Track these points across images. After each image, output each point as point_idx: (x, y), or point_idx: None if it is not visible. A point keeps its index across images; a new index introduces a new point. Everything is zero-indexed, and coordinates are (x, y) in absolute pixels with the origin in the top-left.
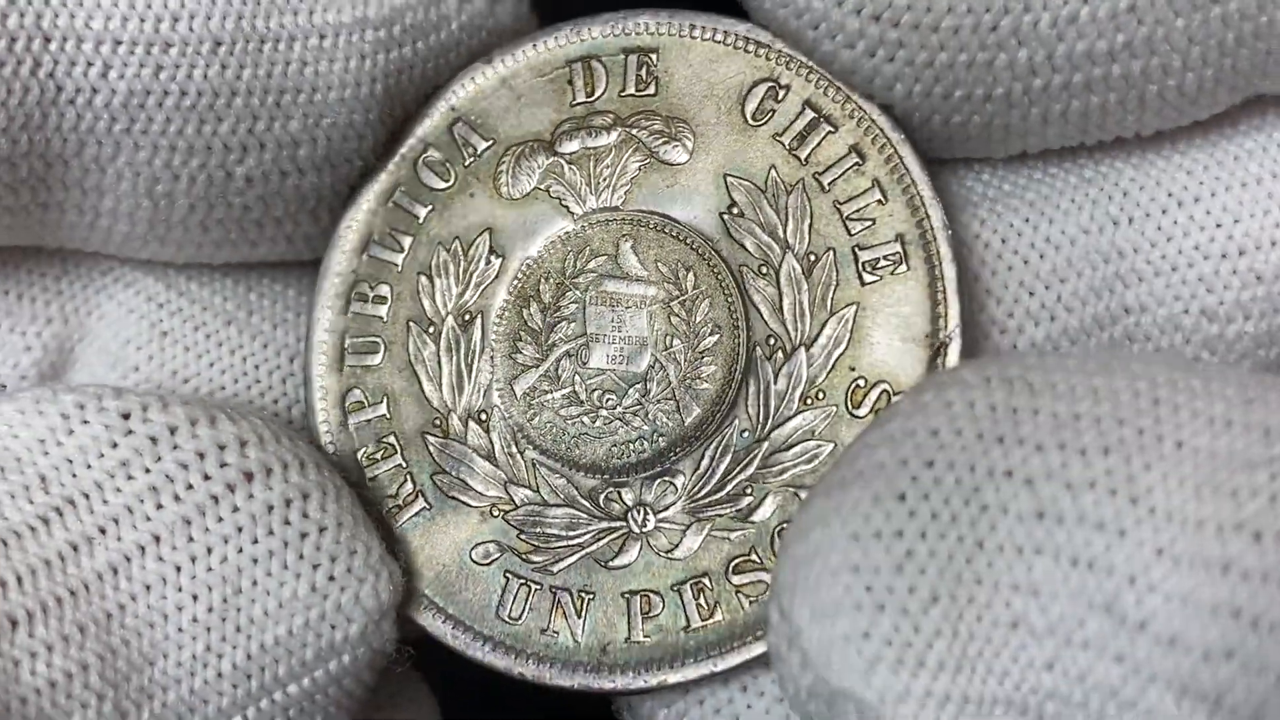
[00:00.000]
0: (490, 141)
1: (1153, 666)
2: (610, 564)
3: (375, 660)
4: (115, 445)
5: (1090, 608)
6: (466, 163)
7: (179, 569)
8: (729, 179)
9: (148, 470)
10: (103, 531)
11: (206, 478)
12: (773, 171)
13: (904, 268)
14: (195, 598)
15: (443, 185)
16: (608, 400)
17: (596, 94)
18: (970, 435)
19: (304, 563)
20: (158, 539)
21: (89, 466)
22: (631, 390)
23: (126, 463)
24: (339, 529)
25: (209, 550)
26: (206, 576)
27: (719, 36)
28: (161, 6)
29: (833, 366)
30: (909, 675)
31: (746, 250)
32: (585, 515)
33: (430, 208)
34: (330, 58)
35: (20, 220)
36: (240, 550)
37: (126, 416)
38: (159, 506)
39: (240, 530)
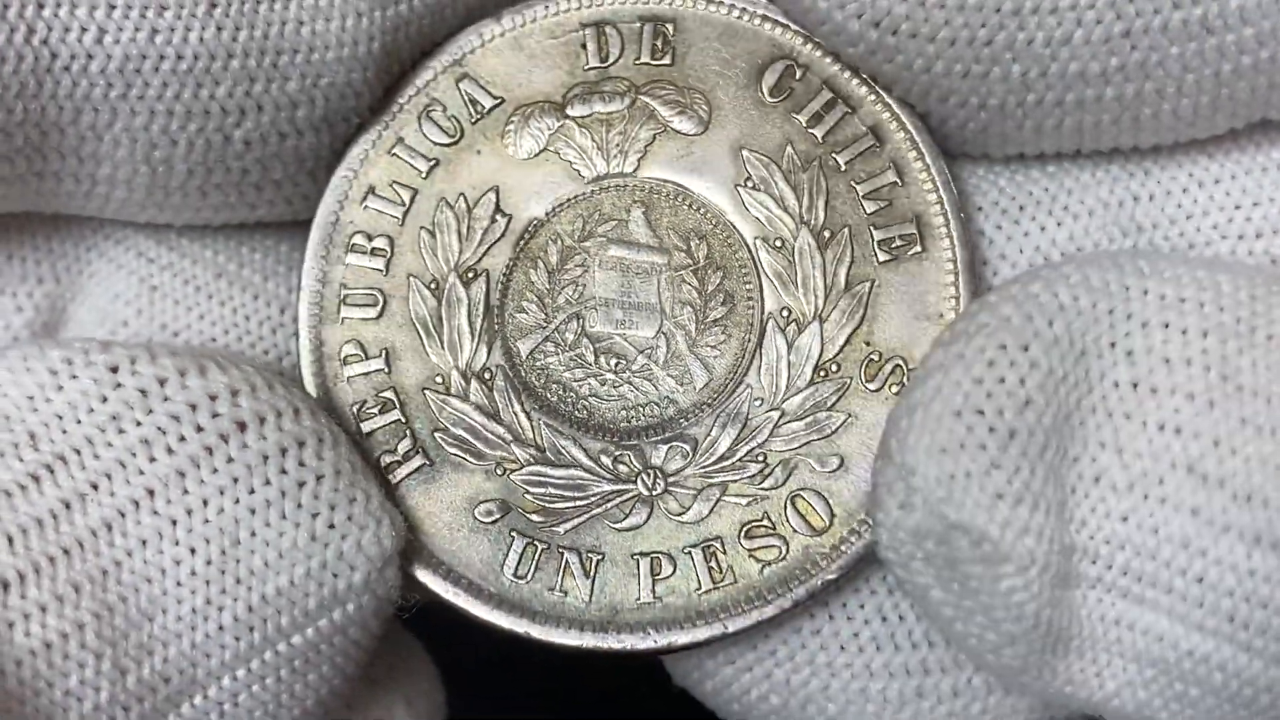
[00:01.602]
0: (499, 100)
1: (1228, 519)
2: (620, 526)
3: (380, 609)
4: (105, 399)
5: (1172, 467)
6: (473, 119)
7: (175, 522)
8: (744, 152)
9: (139, 424)
10: (95, 487)
11: (199, 429)
12: (789, 147)
13: (919, 248)
14: (193, 551)
15: (447, 140)
16: (615, 364)
17: (611, 59)
18: (1086, 303)
19: (303, 511)
20: (152, 493)
21: (79, 422)
22: (639, 356)
23: (117, 416)
24: (337, 476)
25: (205, 502)
26: (203, 529)
27: (737, 12)
28: None
29: (847, 341)
30: (1028, 512)
31: (760, 223)
32: (593, 477)
33: (434, 162)
34: (326, 16)
35: (16, 189)
36: (237, 501)
37: (115, 370)
38: (152, 460)
39: (236, 481)
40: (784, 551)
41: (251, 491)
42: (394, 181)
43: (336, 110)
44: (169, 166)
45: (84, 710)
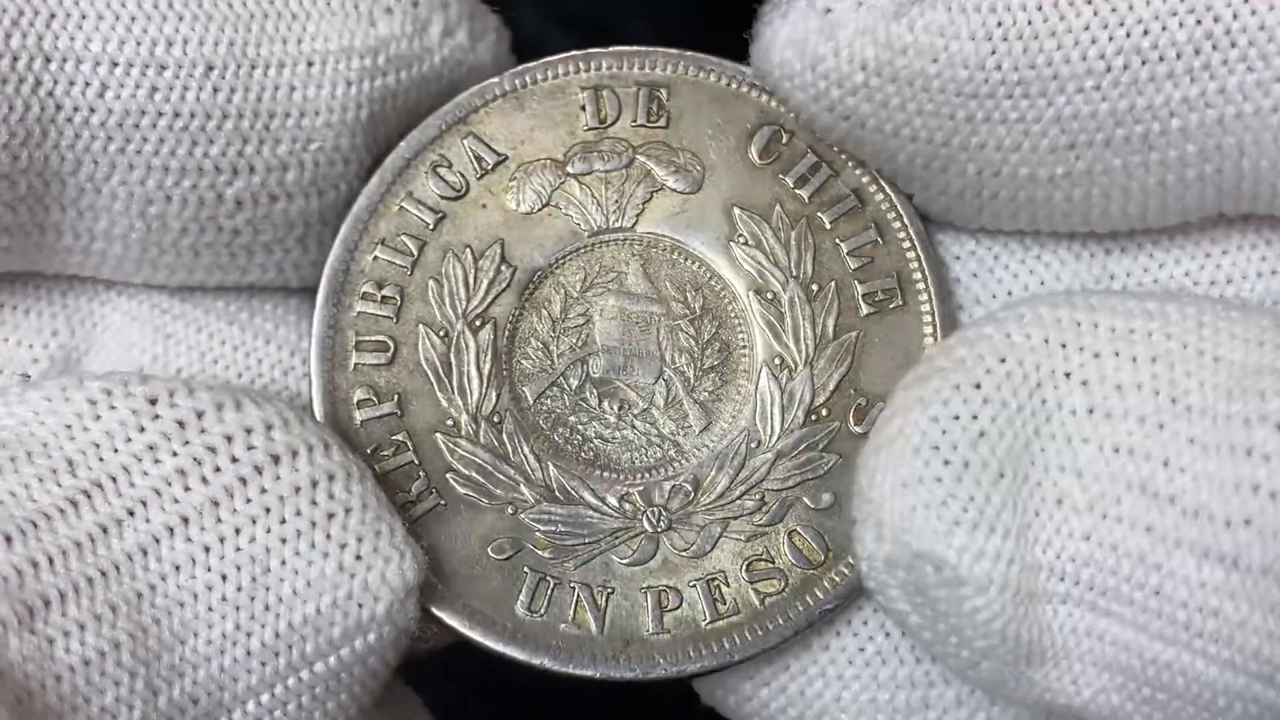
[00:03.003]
0: (502, 157)
1: (1178, 534)
2: (627, 561)
3: (399, 639)
4: (142, 430)
5: (1127, 487)
6: (479, 175)
7: (208, 549)
8: (736, 210)
9: (175, 454)
10: (131, 514)
11: (234, 460)
12: (778, 206)
13: (900, 301)
14: (224, 577)
15: (454, 194)
16: (618, 408)
17: (609, 121)
18: (1038, 339)
19: (331, 542)
20: (186, 520)
21: (116, 450)
22: (640, 400)
23: (154, 446)
24: (364, 510)
25: (237, 531)
26: (235, 556)
27: (726, 80)
28: (158, 31)
29: (836, 387)
30: (983, 537)
31: (752, 276)
32: (600, 515)
33: (441, 215)
34: (317, 83)
35: (19, 242)
36: (268, 531)
37: (153, 402)
38: (187, 489)
39: (268, 511)
40: (784, 585)
41: (282, 522)
42: (403, 233)
43: (325, 176)
44: (163, 223)
45: None
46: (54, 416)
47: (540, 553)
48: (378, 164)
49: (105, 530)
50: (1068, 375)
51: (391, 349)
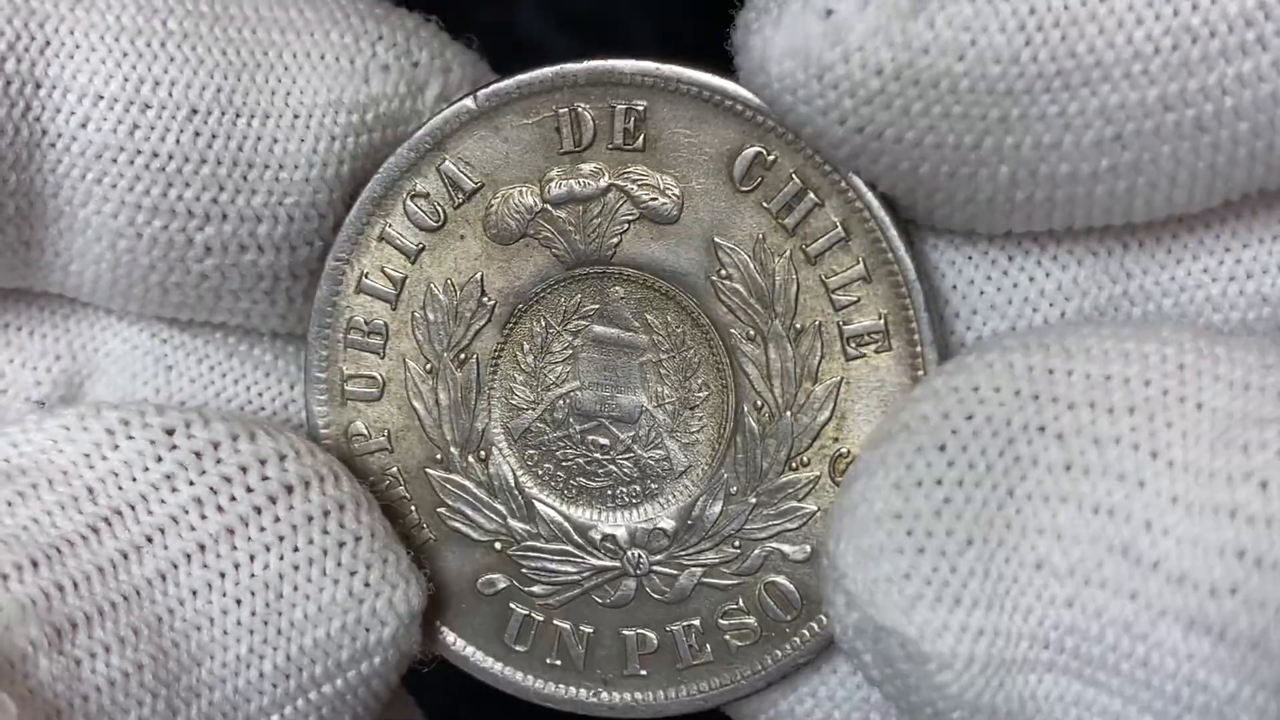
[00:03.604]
0: (479, 185)
1: (1163, 602)
2: (608, 603)
3: (402, 663)
4: (160, 459)
5: (1109, 550)
6: (456, 204)
7: (223, 575)
8: (717, 242)
9: (192, 483)
10: (150, 540)
11: (249, 490)
12: (760, 239)
13: (886, 345)
14: (239, 602)
15: (432, 225)
16: (602, 445)
17: (584, 144)
18: (1008, 392)
19: (341, 570)
20: (203, 547)
21: (134, 480)
22: (624, 436)
23: (171, 476)
24: (372, 539)
25: (252, 558)
26: (250, 582)
27: (706, 95)
28: (146, 70)
29: (817, 434)
30: (946, 611)
31: (734, 314)
32: (581, 554)
33: (421, 247)
34: (301, 136)
35: (7, 258)
36: (282, 558)
37: (170, 432)
38: (203, 517)
39: (282, 539)
40: (757, 635)
41: (295, 550)
42: (383, 268)
43: (299, 231)
44: (133, 257)
45: None
46: (73, 445)
47: (525, 590)
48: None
49: (126, 556)
50: (1042, 429)
51: (380, 385)
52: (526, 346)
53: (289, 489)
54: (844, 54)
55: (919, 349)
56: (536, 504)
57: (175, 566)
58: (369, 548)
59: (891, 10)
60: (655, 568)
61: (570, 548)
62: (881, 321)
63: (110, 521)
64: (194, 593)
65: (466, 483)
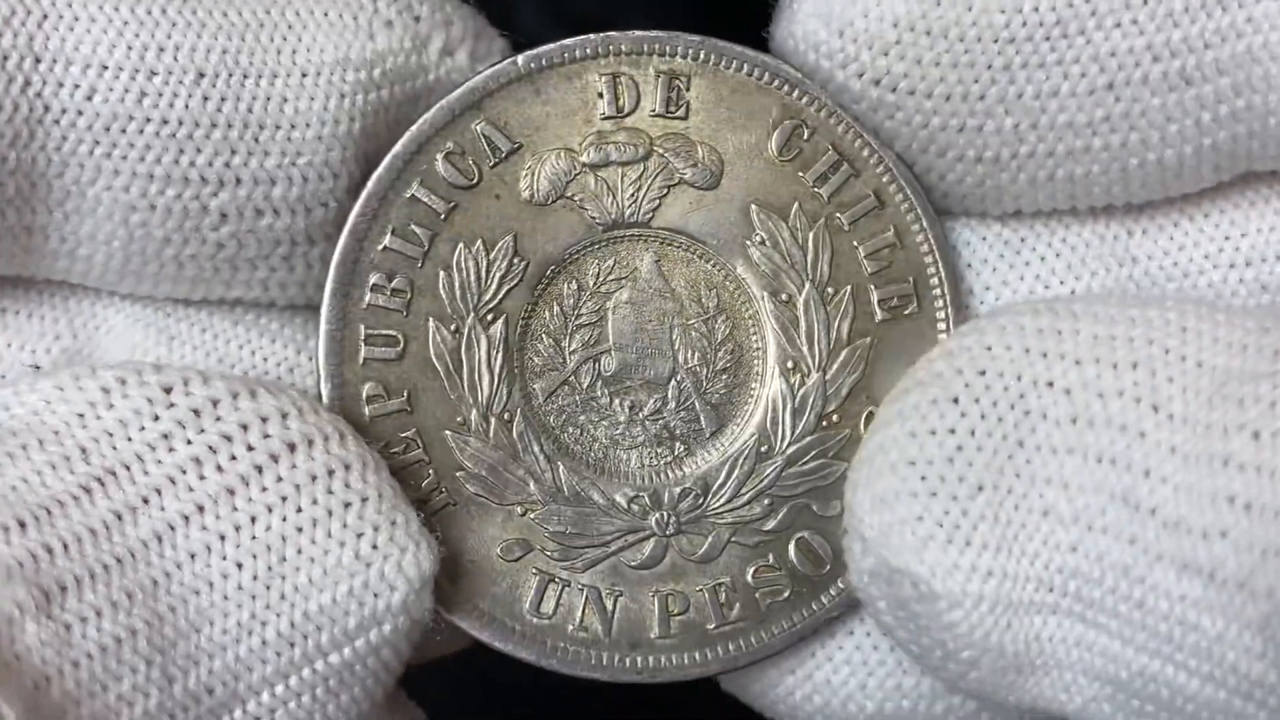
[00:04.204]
0: (516, 145)
1: (1159, 546)
2: (635, 564)
3: (413, 631)
4: (157, 418)
5: (1110, 498)
6: (492, 164)
7: (222, 538)
8: (754, 208)
9: (189, 442)
10: (146, 501)
11: (249, 448)
12: (797, 205)
13: (915, 308)
14: (239, 566)
15: (466, 183)
16: (629, 407)
17: (626, 110)
18: (1019, 350)
19: (347, 531)
20: (201, 509)
21: (129, 439)
22: (652, 400)
23: (168, 435)
24: (379, 499)
25: (252, 519)
26: (250, 545)
27: (748, 70)
28: (149, 36)
29: (848, 394)
30: (957, 552)
31: (768, 277)
32: (609, 516)
33: (453, 204)
34: (310, 95)
35: (7, 245)
36: (284, 519)
37: (168, 390)
38: (202, 477)
39: (284, 500)
40: (789, 592)
41: (298, 510)
42: (413, 222)
43: (313, 192)
44: (146, 231)
45: (134, 714)
46: (66, 405)
47: (548, 555)
48: (366, 180)
49: (119, 517)
50: (1050, 384)
51: (401, 343)
52: (556, 308)
53: (291, 447)
54: (864, 9)
55: (945, 311)
56: (561, 467)
57: (172, 528)
58: (376, 509)
59: None
60: (684, 528)
61: (596, 511)
62: (910, 285)
63: (104, 481)
64: (192, 555)
65: (488, 446)
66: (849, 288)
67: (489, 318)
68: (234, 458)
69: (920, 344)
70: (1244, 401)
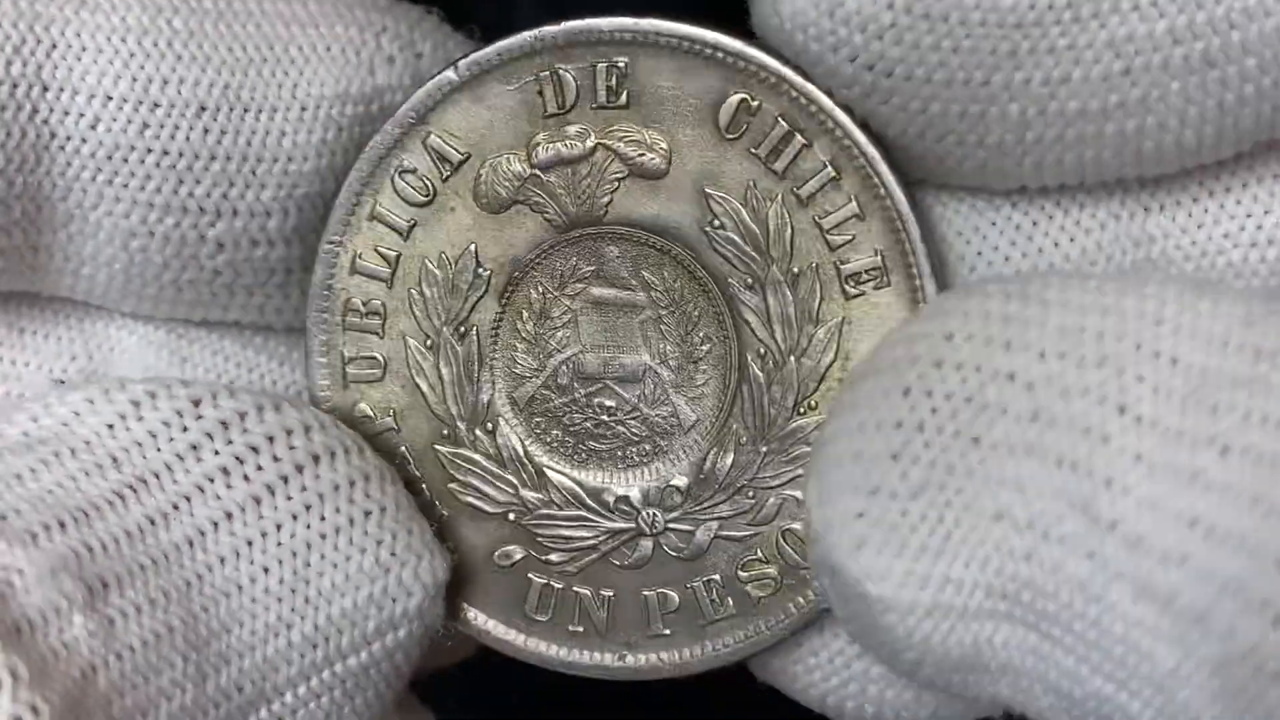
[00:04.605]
0: (465, 155)
1: (1118, 564)
2: (626, 565)
3: (425, 637)
4: (186, 429)
5: (1070, 506)
6: (444, 176)
7: (250, 543)
8: (708, 192)
9: (217, 452)
10: (176, 508)
11: (275, 459)
12: (751, 185)
13: (885, 282)
14: (266, 570)
15: (422, 201)
16: (609, 407)
17: (568, 105)
18: (980, 339)
19: (368, 539)
20: (229, 515)
21: (159, 449)
22: (630, 396)
23: (197, 446)
24: (397, 509)
25: (278, 527)
26: (277, 550)
27: (687, 46)
28: (154, 69)
29: (822, 377)
30: (892, 556)
31: (730, 263)
32: (595, 517)
33: (413, 223)
34: (309, 128)
35: (14, 263)
36: (309, 526)
37: (196, 403)
38: (229, 486)
39: (309, 508)
40: (778, 584)
41: (322, 519)
42: (376, 247)
43: (308, 222)
44: (145, 256)
45: (171, 708)
46: (95, 416)
47: (542, 559)
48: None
49: (153, 521)
50: (1011, 377)
51: (382, 365)
52: (525, 314)
53: (315, 458)
54: None
55: (918, 283)
56: (547, 471)
57: (202, 533)
58: (394, 518)
59: None
60: (671, 525)
61: (584, 513)
62: (879, 259)
63: (135, 488)
64: (222, 560)
65: (475, 456)
66: (814, 265)
67: (461, 330)
68: (260, 468)
69: (894, 319)
70: (1217, 409)
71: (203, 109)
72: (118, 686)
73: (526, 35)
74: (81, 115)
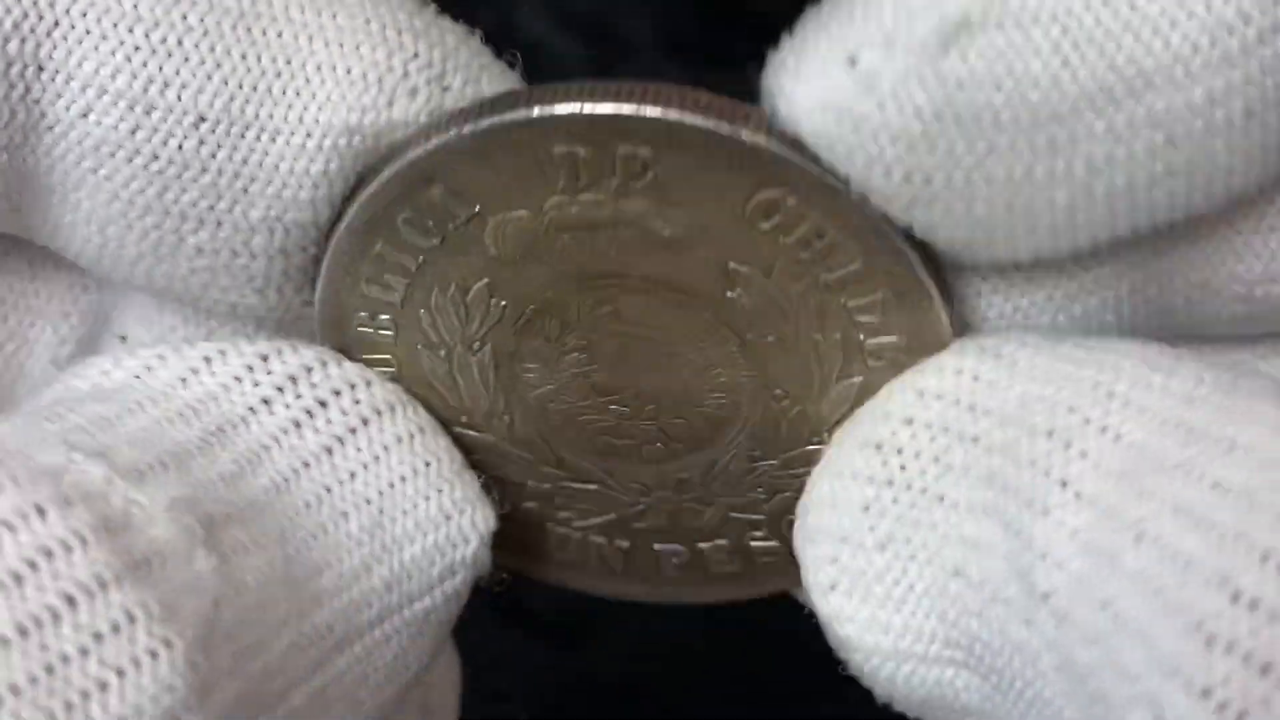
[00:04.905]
0: (475, 209)
1: (1048, 635)
2: (642, 527)
3: (470, 584)
4: (257, 384)
5: (1013, 573)
6: (454, 225)
7: (329, 490)
8: (732, 266)
9: (288, 406)
10: (258, 456)
11: (343, 413)
12: (778, 265)
13: (910, 361)
14: (346, 515)
15: (431, 242)
16: (623, 412)
17: (584, 185)
18: (950, 399)
19: (430, 488)
20: (307, 465)
21: (233, 401)
22: (646, 408)
23: (268, 400)
24: (450, 460)
25: (352, 475)
26: (354, 497)
27: (716, 141)
28: (157, 68)
29: (839, 420)
30: (857, 602)
31: (751, 318)
32: (612, 492)
33: (422, 259)
34: (310, 156)
35: (5, 218)
36: (379, 476)
37: (265, 358)
38: (302, 438)
39: (377, 458)
40: (784, 558)
41: (389, 469)
42: (386, 273)
43: (296, 242)
44: (121, 245)
45: (282, 644)
46: (167, 370)
47: (559, 516)
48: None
49: (241, 468)
50: (975, 440)
51: (396, 365)
52: (541, 340)
53: (378, 412)
54: (878, 103)
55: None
56: (566, 457)
57: (286, 480)
58: (450, 469)
59: (920, 51)
60: (685, 504)
61: (600, 487)
62: (904, 339)
63: (218, 436)
64: (307, 505)
65: (492, 438)
66: (837, 337)
67: (475, 346)
68: (330, 421)
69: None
70: (1141, 494)
71: (201, 119)
72: (238, 620)
73: (540, 116)
74: (74, 102)
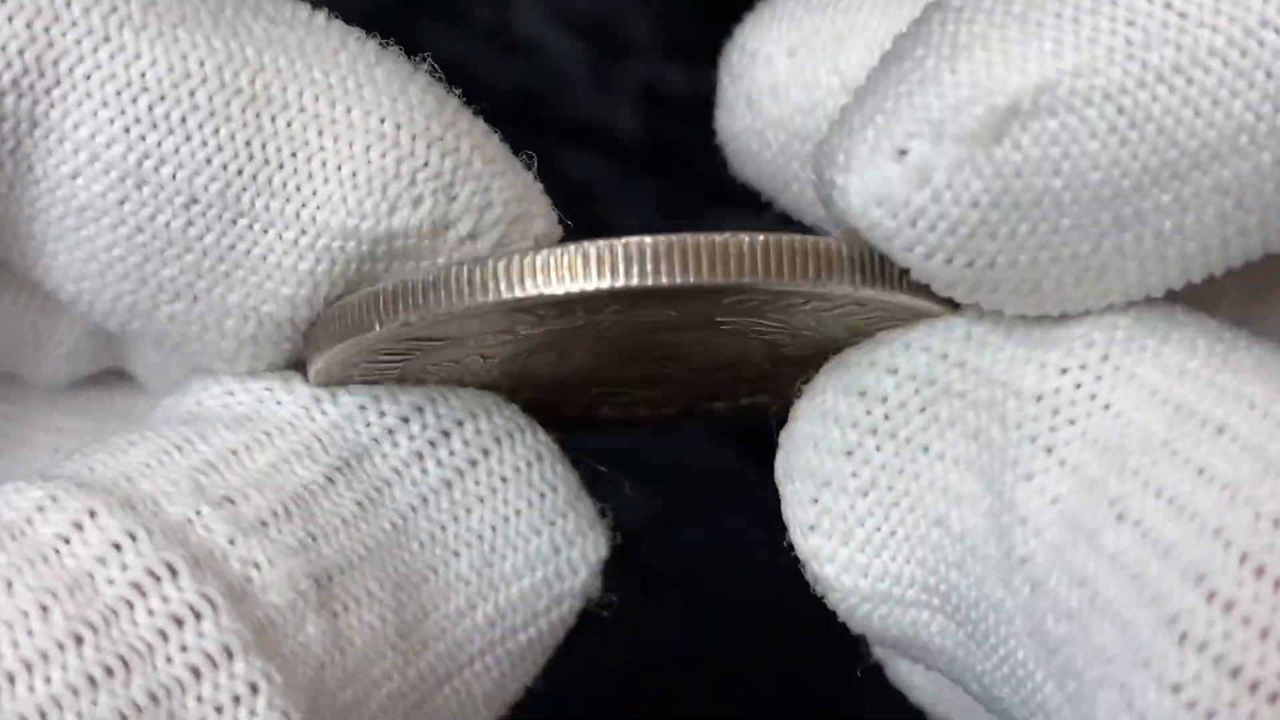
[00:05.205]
0: (450, 339)
1: (1022, 600)
2: (667, 411)
3: (578, 611)
4: (383, 414)
5: (993, 530)
6: (433, 345)
7: (444, 528)
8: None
9: (412, 437)
10: (379, 492)
11: (465, 443)
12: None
13: None
14: (457, 555)
15: (415, 353)
16: (631, 388)
17: (548, 319)
18: (937, 354)
19: (543, 521)
20: (425, 500)
21: (357, 432)
22: (649, 391)
23: (392, 430)
24: (566, 489)
25: (468, 511)
26: (466, 534)
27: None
28: (155, 144)
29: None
30: (837, 543)
31: (744, 335)
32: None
33: (408, 358)
34: (300, 255)
35: None
36: (494, 510)
37: (378, 397)
38: (424, 471)
39: (494, 491)
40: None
41: (505, 502)
42: (375, 368)
43: (268, 334)
44: (93, 298)
45: (381, 697)
46: (290, 397)
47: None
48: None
49: (362, 507)
50: (961, 395)
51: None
52: (546, 360)
53: (498, 441)
54: (933, 195)
55: None
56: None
57: (404, 519)
58: (565, 499)
59: (971, 140)
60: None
61: (616, 392)
62: None
63: (342, 471)
64: (421, 544)
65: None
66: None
67: (483, 358)
68: (452, 453)
69: None
70: (1124, 470)
71: (193, 201)
72: (340, 681)
73: (507, 298)
74: (64, 163)
